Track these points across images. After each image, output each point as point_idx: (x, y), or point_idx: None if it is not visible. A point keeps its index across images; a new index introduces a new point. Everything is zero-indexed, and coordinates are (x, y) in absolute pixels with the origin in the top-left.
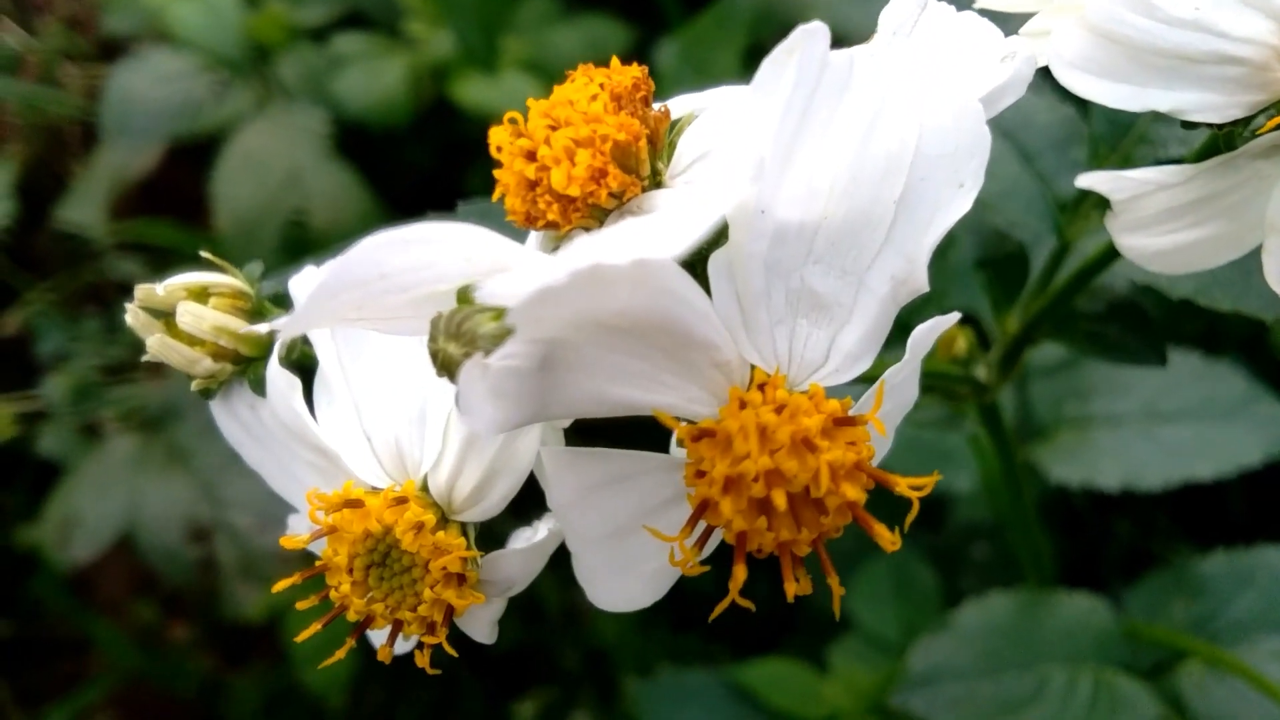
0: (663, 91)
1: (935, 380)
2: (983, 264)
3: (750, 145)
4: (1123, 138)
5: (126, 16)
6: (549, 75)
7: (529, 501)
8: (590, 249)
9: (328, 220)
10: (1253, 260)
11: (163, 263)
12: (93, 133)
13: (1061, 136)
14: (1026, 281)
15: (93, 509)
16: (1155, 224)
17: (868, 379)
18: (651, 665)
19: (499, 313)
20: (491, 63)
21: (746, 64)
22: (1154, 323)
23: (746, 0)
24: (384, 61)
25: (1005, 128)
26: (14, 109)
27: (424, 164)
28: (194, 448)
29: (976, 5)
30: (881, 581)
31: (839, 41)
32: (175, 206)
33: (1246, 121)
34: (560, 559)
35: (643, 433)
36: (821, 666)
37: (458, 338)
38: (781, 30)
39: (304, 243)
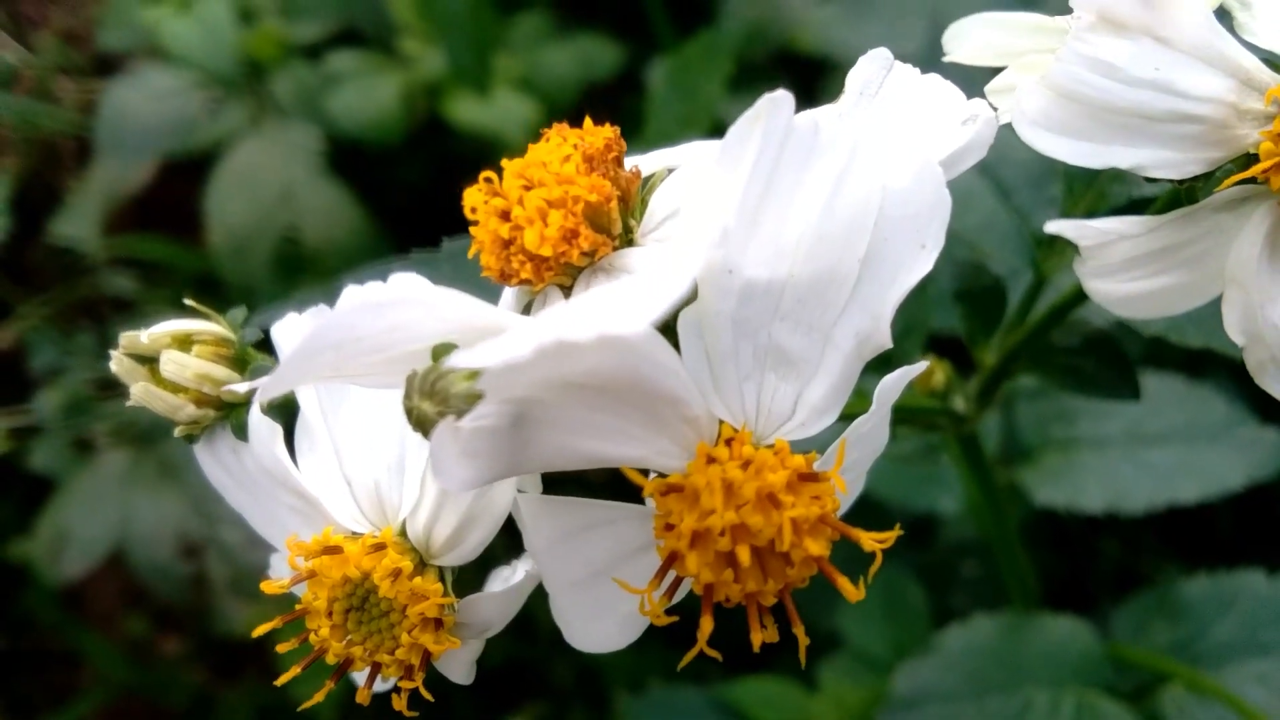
0: (651, 115)
1: (913, 413)
2: (960, 296)
3: (715, 212)
4: (1097, 175)
5: (122, 33)
6: (541, 94)
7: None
8: (557, 321)
9: (321, 237)
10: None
11: (156, 278)
12: (87, 148)
13: (1038, 172)
14: (1004, 315)
15: (84, 524)
16: (1120, 271)
17: (842, 418)
18: (643, 681)
19: (472, 372)
20: (484, 81)
21: (735, 85)
22: (1129, 357)
23: (735, 22)
24: (378, 79)
25: (982, 163)
26: (9, 123)
27: (417, 181)
28: (185, 463)
29: (945, 59)
30: (871, 600)
31: (828, 64)
32: (169, 222)
33: (1207, 176)
34: None
35: (622, 479)
36: (812, 684)
37: (431, 396)
38: (771, 52)
39: (297, 259)
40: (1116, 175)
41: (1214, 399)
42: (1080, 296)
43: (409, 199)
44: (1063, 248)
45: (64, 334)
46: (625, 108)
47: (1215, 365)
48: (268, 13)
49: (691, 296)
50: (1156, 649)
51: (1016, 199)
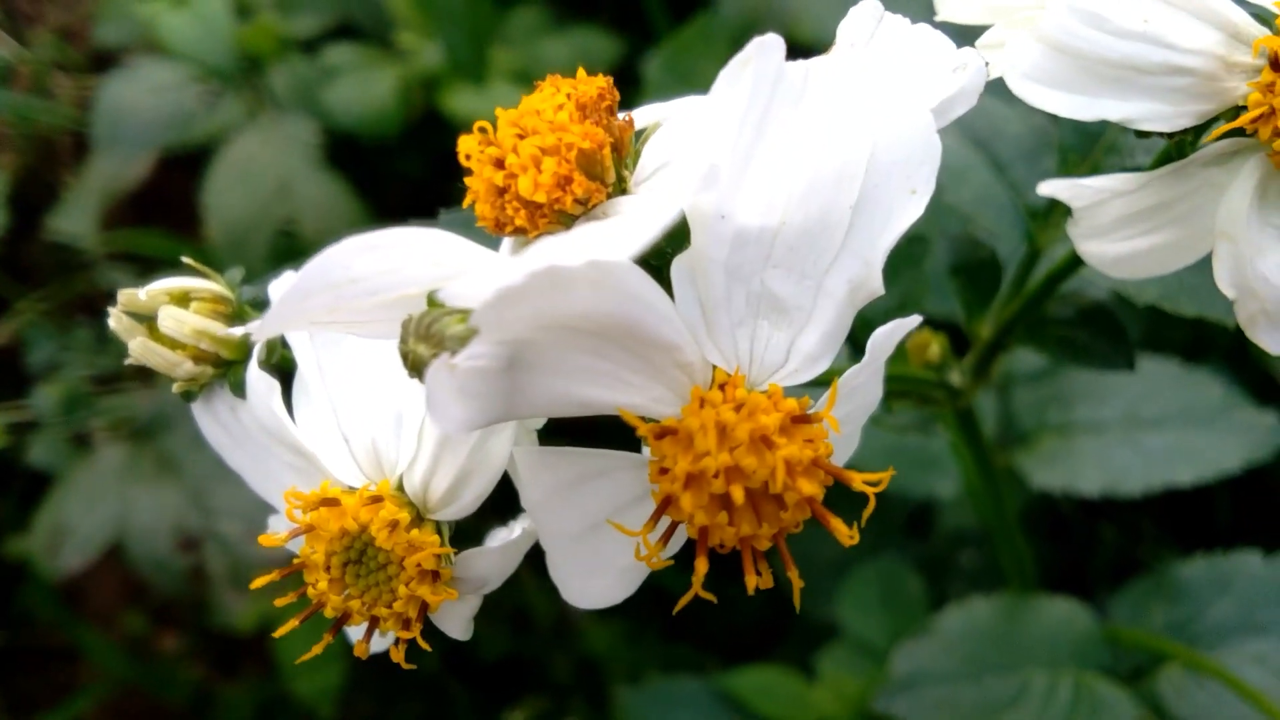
0: (648, 100)
1: (909, 385)
2: (956, 270)
3: (705, 153)
4: (1092, 147)
5: (118, 27)
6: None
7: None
8: (548, 251)
9: (318, 229)
10: None
11: (154, 272)
12: (84, 143)
13: (1033, 146)
14: (999, 288)
15: (83, 518)
16: (1112, 230)
17: (830, 380)
18: (642, 675)
19: (467, 315)
20: (481, 74)
21: None
22: (1123, 328)
23: (732, 10)
24: (374, 72)
25: (978, 138)
26: (6, 119)
27: (414, 174)
28: (183, 457)
29: (937, 17)
30: (869, 589)
31: (821, 50)
32: (166, 216)
33: (1199, 131)
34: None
35: (619, 432)
36: (810, 674)
37: (427, 339)
38: None
39: (294, 252)
40: (1111, 147)
41: (1211, 382)
42: (1071, 265)
43: (406, 192)
44: (1057, 220)
45: (61, 329)
46: (623, 101)
47: (1211, 349)
48: (264, 6)
49: (685, 241)
50: (1154, 630)
51: (1011, 173)
